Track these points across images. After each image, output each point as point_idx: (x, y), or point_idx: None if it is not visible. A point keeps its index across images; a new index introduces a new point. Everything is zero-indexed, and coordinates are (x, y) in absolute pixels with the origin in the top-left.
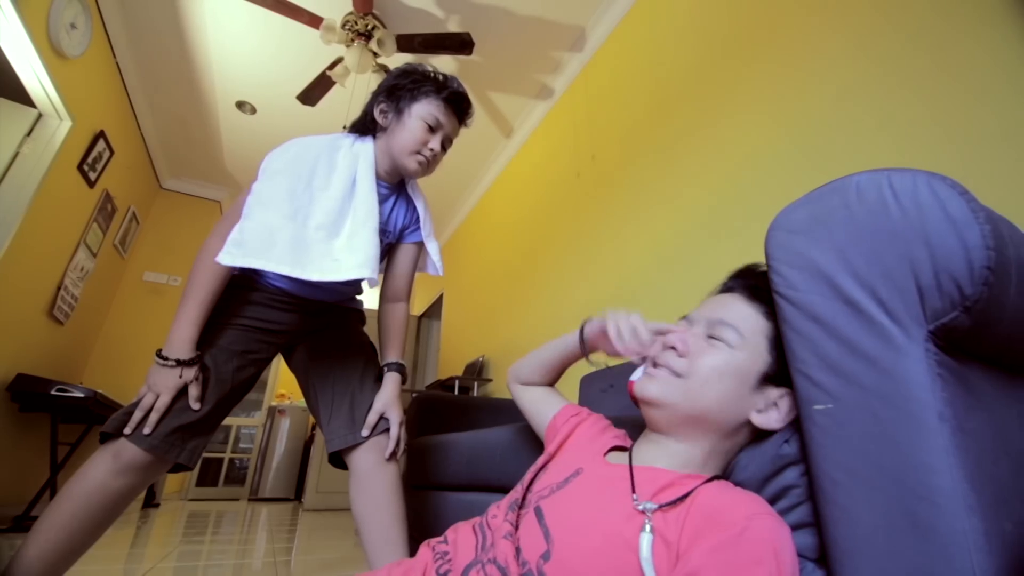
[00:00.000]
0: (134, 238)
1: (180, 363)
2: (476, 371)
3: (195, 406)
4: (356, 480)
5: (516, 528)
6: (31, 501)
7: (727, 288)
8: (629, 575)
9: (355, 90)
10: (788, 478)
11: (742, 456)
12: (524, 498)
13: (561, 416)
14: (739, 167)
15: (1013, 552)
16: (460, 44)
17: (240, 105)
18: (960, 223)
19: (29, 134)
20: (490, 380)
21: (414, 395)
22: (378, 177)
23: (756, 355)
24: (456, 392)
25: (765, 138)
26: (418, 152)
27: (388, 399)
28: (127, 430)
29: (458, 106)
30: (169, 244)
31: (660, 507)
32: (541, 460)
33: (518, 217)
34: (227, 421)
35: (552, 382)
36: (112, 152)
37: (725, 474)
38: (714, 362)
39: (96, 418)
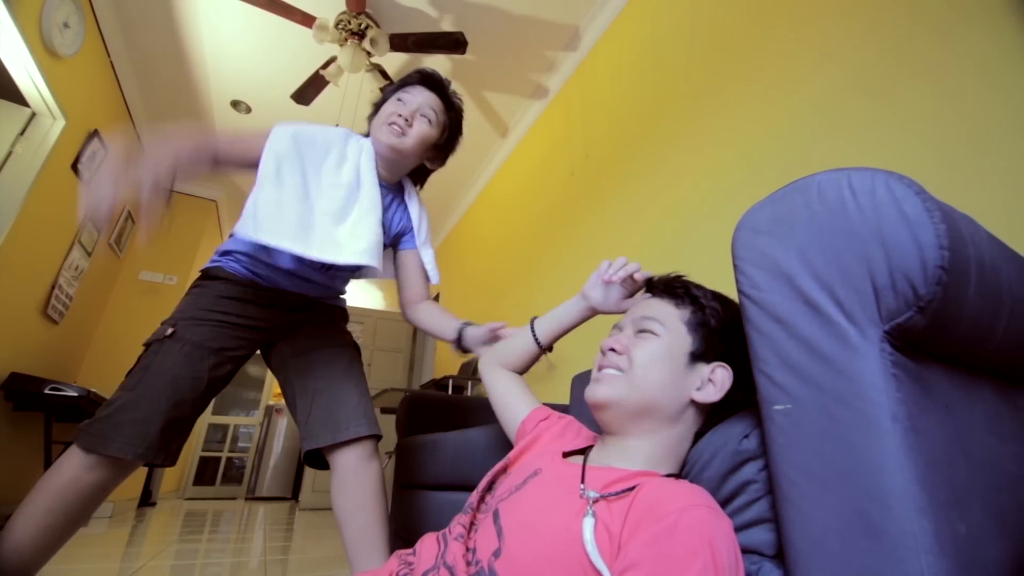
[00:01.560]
0: (130, 237)
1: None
2: (471, 370)
3: (142, 239)
4: (338, 479)
5: (469, 530)
6: None
7: (643, 296)
8: (576, 566)
9: (348, 89)
10: (747, 473)
11: (704, 451)
12: (484, 502)
13: (530, 420)
14: (730, 164)
15: (967, 554)
16: (453, 43)
17: (235, 104)
18: (915, 222)
19: (22, 133)
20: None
21: (406, 395)
22: (379, 178)
23: (679, 337)
24: (450, 391)
25: (757, 135)
26: (386, 122)
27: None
28: (114, 450)
29: (425, 80)
30: (165, 243)
31: (603, 496)
32: (500, 464)
33: (514, 216)
34: (225, 420)
35: (525, 367)
36: (107, 151)
37: (683, 471)
38: (647, 349)
39: (89, 417)
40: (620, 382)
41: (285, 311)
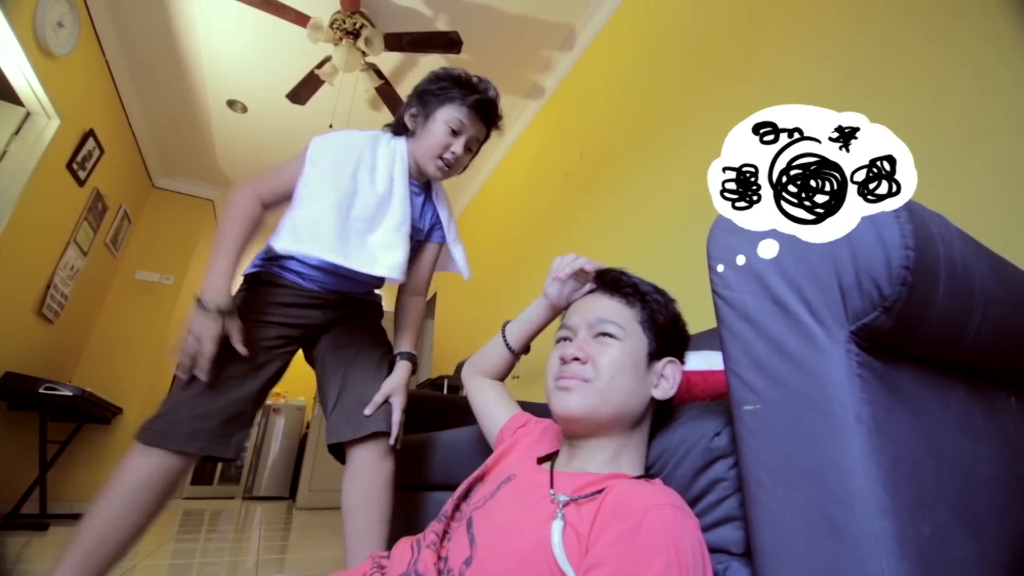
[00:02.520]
0: (126, 237)
1: (221, 312)
2: None
3: (242, 351)
4: (350, 472)
5: (442, 538)
6: (19, 499)
7: (588, 291)
8: (544, 570)
9: (343, 88)
10: (717, 471)
11: (678, 448)
12: (459, 510)
13: (508, 428)
14: None
15: (930, 555)
16: (448, 43)
17: (231, 104)
18: (880, 222)
19: (17, 133)
20: None
21: None
22: (410, 175)
23: (638, 339)
24: (445, 391)
25: None
26: (439, 156)
27: (396, 385)
28: (175, 445)
29: (485, 111)
30: (162, 243)
31: (573, 499)
32: (477, 472)
33: (510, 216)
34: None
35: (503, 373)
36: (102, 151)
37: (653, 468)
38: (612, 356)
39: (85, 416)
40: (589, 393)
41: (327, 309)
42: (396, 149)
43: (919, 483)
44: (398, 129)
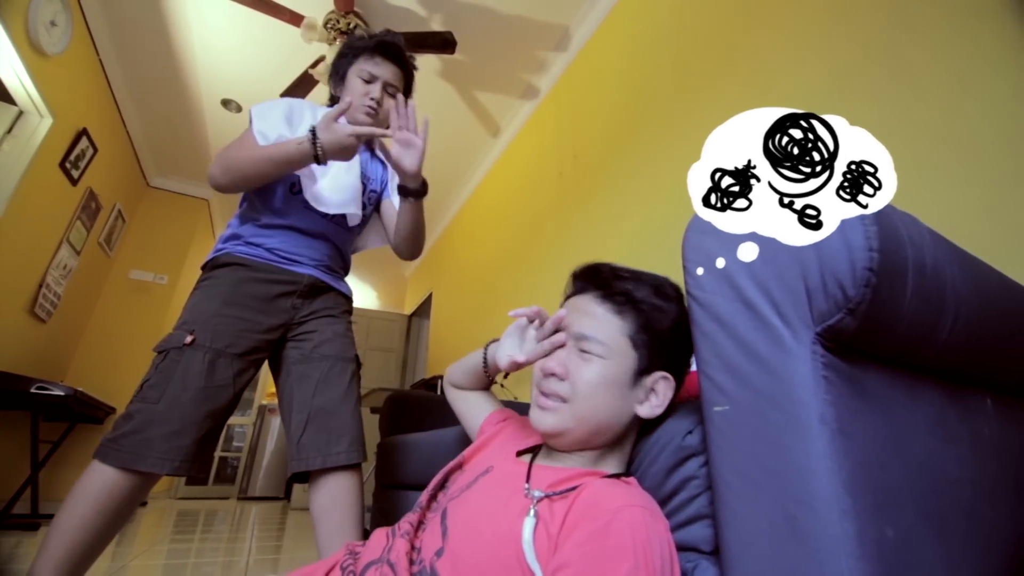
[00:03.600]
0: (120, 236)
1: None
2: None
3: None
4: (320, 490)
5: (417, 528)
6: (11, 499)
7: (580, 288)
8: (514, 566)
9: None
10: (689, 469)
11: (653, 447)
12: (436, 499)
13: (488, 422)
14: None
15: (892, 557)
16: (442, 43)
17: (226, 103)
18: (845, 224)
19: (9, 131)
20: None
21: (389, 394)
22: None
23: (623, 357)
24: (439, 392)
25: None
26: (361, 104)
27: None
28: (149, 466)
29: (388, 52)
30: (156, 242)
31: (547, 495)
32: (455, 461)
33: (504, 217)
34: None
35: (483, 387)
36: (96, 150)
37: (629, 469)
38: (590, 376)
39: (78, 416)
40: (565, 414)
41: (298, 299)
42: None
43: (884, 485)
44: (332, 103)
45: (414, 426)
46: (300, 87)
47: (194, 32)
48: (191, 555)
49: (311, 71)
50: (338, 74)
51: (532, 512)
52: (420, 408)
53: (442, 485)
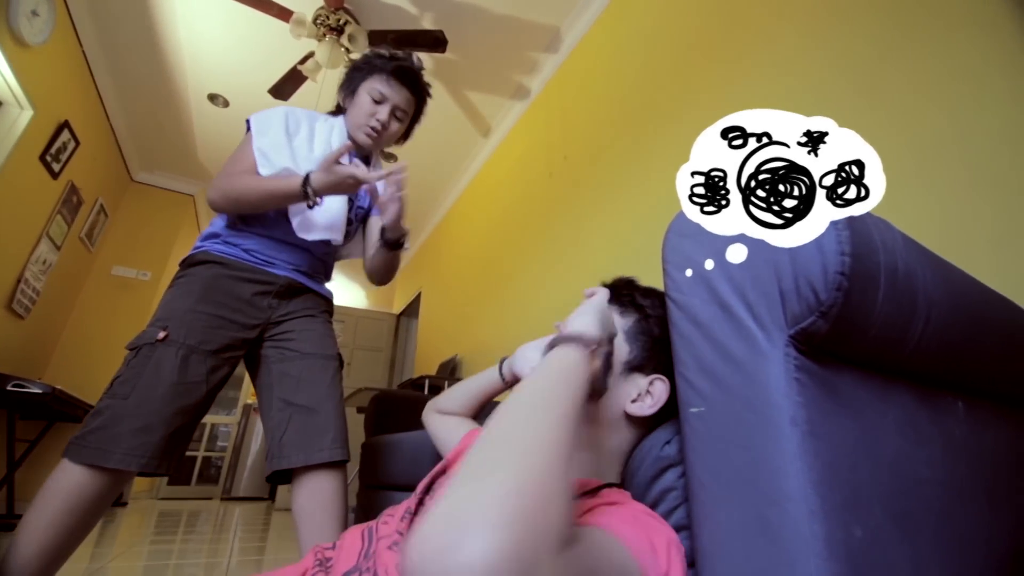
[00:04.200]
0: (102, 231)
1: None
2: (449, 370)
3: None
4: (302, 490)
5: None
6: None
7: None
8: None
9: (326, 85)
10: (668, 480)
11: (635, 458)
12: (423, 504)
13: (471, 433)
14: None
15: (860, 557)
16: (433, 42)
17: (212, 98)
18: None
19: None
20: (460, 380)
21: (375, 394)
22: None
23: (617, 348)
24: (426, 391)
25: None
26: (366, 124)
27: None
28: (115, 463)
29: (404, 77)
30: (139, 238)
31: None
32: (439, 466)
33: (495, 217)
34: (203, 419)
35: (474, 413)
36: (78, 143)
37: (623, 480)
38: None
39: (56, 415)
40: None
41: (277, 299)
42: (334, 124)
43: (853, 486)
44: (336, 112)
45: (399, 426)
46: (288, 83)
47: (180, 25)
48: (173, 556)
49: (299, 67)
50: (350, 86)
51: None
52: (406, 408)
53: (427, 490)
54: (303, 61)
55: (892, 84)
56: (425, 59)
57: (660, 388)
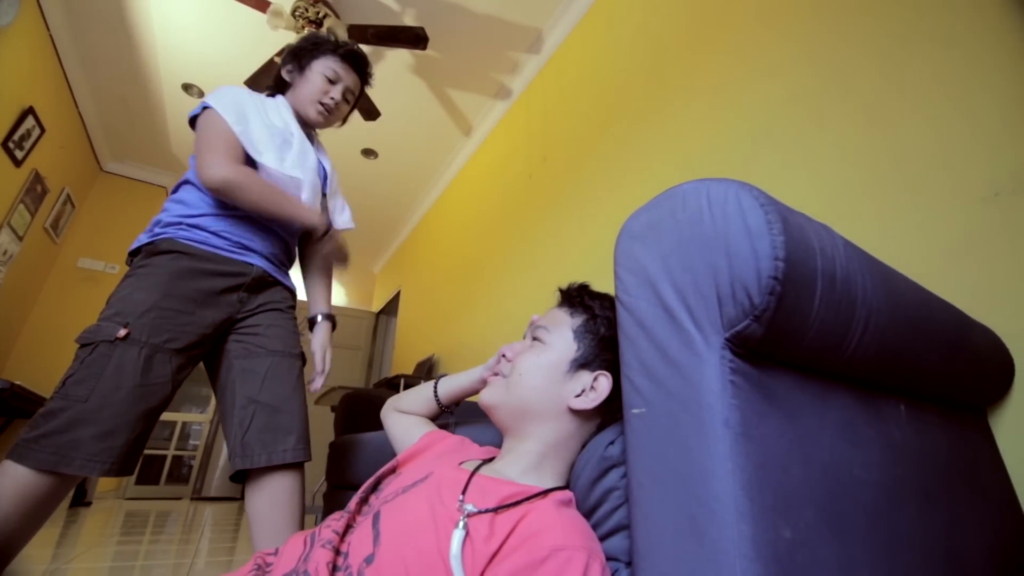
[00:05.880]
0: (68, 222)
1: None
2: (426, 370)
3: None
4: (259, 490)
5: (343, 534)
6: None
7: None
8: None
9: None
10: (611, 480)
11: (580, 459)
12: (367, 503)
13: (427, 435)
14: (680, 171)
15: (787, 558)
16: (414, 38)
17: (187, 88)
18: (754, 233)
19: None
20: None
21: (345, 393)
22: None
23: (565, 345)
24: (401, 390)
25: (707, 144)
26: (319, 101)
27: (323, 343)
28: (76, 469)
29: (355, 62)
30: (108, 229)
31: (481, 511)
32: (388, 466)
33: (475, 217)
34: (173, 417)
35: (434, 415)
36: (43, 130)
37: (568, 481)
38: (530, 357)
39: (15, 411)
40: (500, 388)
41: (244, 293)
42: (280, 102)
43: (784, 488)
44: (275, 89)
45: (371, 425)
46: (265, 74)
47: (153, 11)
48: (139, 557)
49: (276, 59)
50: (298, 63)
51: (462, 525)
52: (377, 407)
53: (374, 488)
54: (280, 53)
55: (872, 87)
56: (407, 55)
57: (603, 383)
